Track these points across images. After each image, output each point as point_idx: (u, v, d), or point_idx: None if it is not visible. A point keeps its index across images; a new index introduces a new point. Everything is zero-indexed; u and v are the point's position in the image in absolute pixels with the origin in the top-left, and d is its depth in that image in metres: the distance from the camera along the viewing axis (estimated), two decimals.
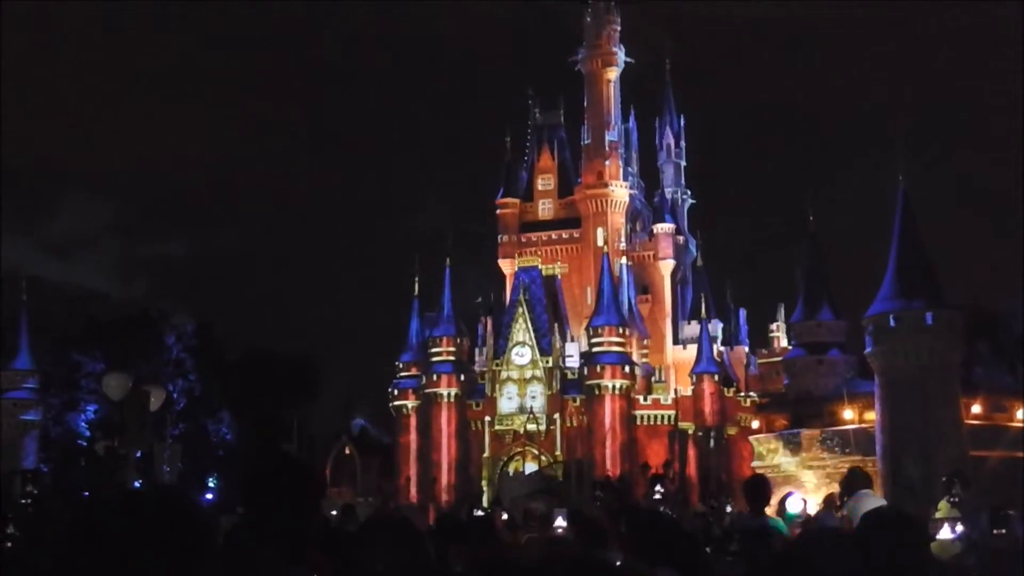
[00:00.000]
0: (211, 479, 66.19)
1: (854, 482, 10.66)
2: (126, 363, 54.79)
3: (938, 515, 14.99)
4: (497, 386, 62.78)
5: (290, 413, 67.33)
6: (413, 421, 65.00)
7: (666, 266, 69.50)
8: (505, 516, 21.05)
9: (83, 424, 58.09)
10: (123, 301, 62.71)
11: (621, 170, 69.81)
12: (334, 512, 30.97)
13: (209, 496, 66.26)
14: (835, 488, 45.19)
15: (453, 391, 63.23)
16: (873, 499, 10.17)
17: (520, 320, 63.23)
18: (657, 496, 23.52)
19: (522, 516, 17.77)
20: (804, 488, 48.96)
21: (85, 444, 54.64)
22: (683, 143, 76.15)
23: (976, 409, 45.95)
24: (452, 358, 63.96)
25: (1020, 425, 46.41)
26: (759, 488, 10.96)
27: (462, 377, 63.67)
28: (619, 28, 72.09)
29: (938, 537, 12.62)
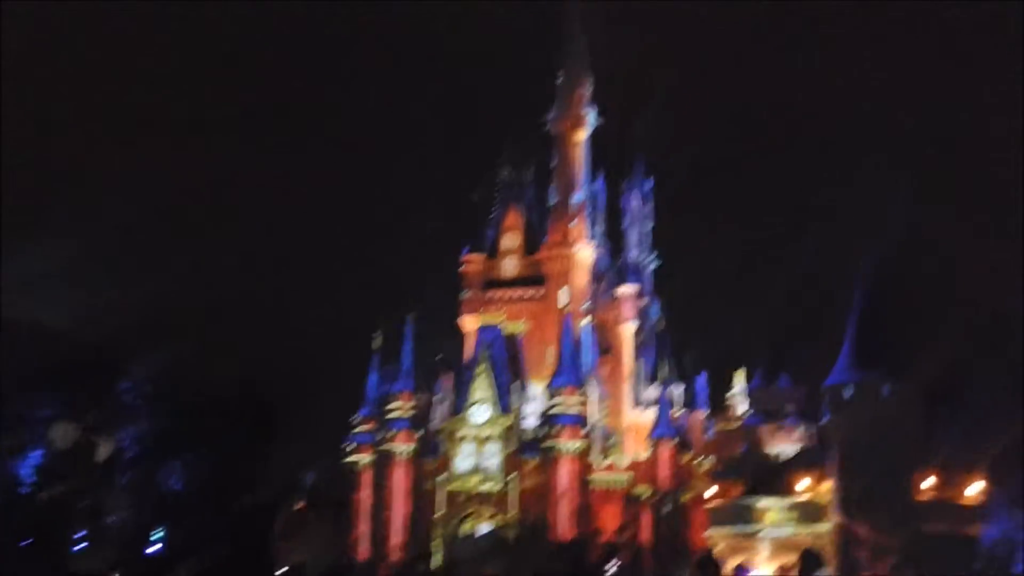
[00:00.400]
0: (158, 530, 64.89)
1: (809, 564, 10.55)
2: (76, 409, 53.83)
3: None
4: (454, 444, 62.22)
5: (244, 465, 66.29)
6: (368, 477, 64.20)
7: (628, 328, 69.53)
8: None
9: (27, 471, 56.81)
10: (75, 342, 61.61)
11: (587, 231, 70.11)
12: (280, 571, 30.35)
13: (156, 547, 64.93)
14: (789, 559, 45.00)
15: (409, 447, 62.60)
16: None
17: (480, 378, 62.89)
18: (612, 570, 23.21)
19: None
20: (758, 557, 48.73)
21: (28, 491, 53.37)
22: (650, 206, 76.65)
23: (930, 482, 45.99)
24: (410, 414, 63.43)
25: (972, 502, 46.45)
26: (707, 568, 10.87)
27: (419, 434, 63.09)
28: (591, 89, 72.83)
29: None
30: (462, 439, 62.12)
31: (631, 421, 67.52)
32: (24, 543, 48.82)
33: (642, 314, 71.49)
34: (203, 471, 66.25)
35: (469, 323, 69.94)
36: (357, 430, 65.69)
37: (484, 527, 60.47)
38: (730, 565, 41.96)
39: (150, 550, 59.78)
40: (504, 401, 62.62)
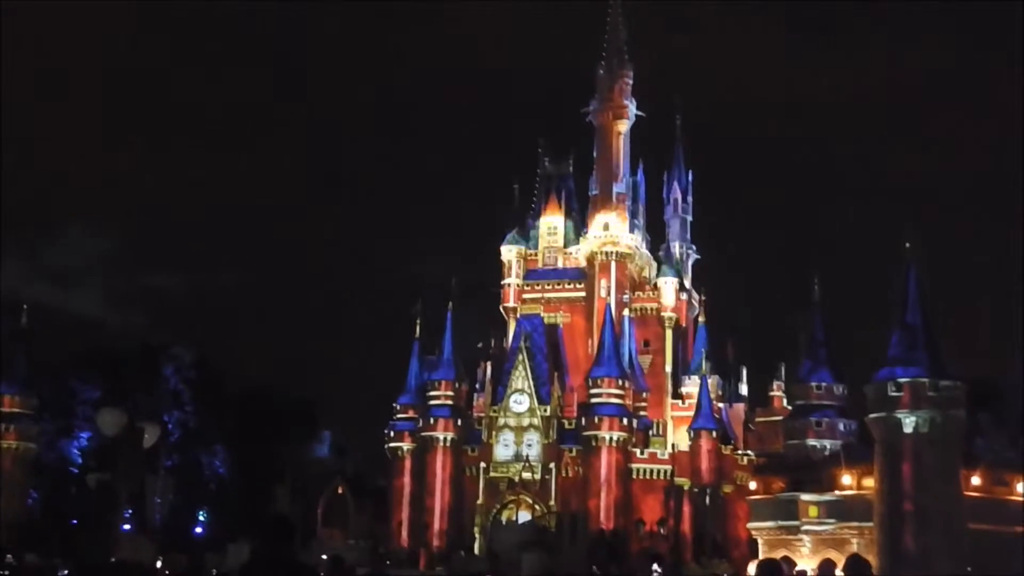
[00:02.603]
0: (201, 513, 65.68)
1: (856, 570, 10.51)
2: (123, 394, 54.54)
3: None
4: (494, 433, 62.41)
5: (285, 451, 66.90)
6: (408, 464, 64.55)
7: (668, 320, 69.31)
8: None
9: (76, 451, 57.75)
10: (120, 331, 62.45)
11: (628, 222, 69.90)
12: (324, 557, 30.66)
13: (199, 530, 65.73)
14: (831, 554, 44.76)
15: (449, 436, 62.89)
16: None
17: (520, 367, 63.01)
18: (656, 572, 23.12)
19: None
20: (799, 553, 48.51)
21: (77, 472, 54.26)
22: (690, 198, 76.24)
23: (976, 481, 45.55)
24: (450, 402, 63.69)
25: (1020, 499, 45.96)
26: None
27: (459, 422, 63.35)
28: (631, 82, 72.53)
29: None
30: (502, 428, 62.29)
31: (671, 413, 67.32)
32: (72, 523, 49.69)
33: (682, 306, 71.19)
34: (244, 457, 67.01)
35: (509, 313, 70.01)
36: (398, 417, 66.05)
37: (524, 516, 60.65)
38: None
39: (195, 531, 60.65)
40: (544, 390, 62.70)
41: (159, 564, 35.74)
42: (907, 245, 46.81)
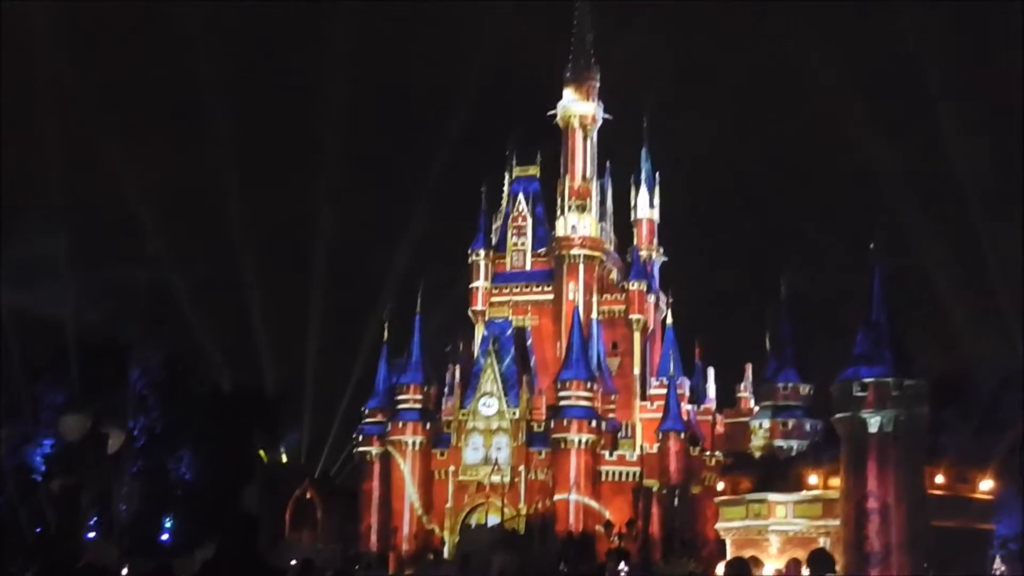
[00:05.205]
0: (168, 519, 65.09)
1: (819, 565, 10.61)
2: (88, 397, 53.89)
3: None
4: (463, 436, 62.40)
5: (253, 454, 66.48)
6: (377, 467, 64.42)
7: (636, 322, 69.55)
8: None
9: (39, 458, 57.07)
10: (83, 329, 61.68)
11: (595, 225, 70.10)
12: (293, 562, 30.48)
13: (165, 536, 65.13)
14: (799, 553, 45.05)
15: (418, 439, 62.84)
16: None
17: (489, 370, 63.07)
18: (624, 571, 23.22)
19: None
20: (767, 553, 48.80)
21: (40, 479, 53.58)
22: (657, 200, 76.55)
23: (940, 479, 46.02)
24: (419, 406, 63.68)
25: (984, 497, 46.49)
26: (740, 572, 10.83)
27: (428, 425, 63.30)
28: (598, 84, 72.79)
29: None
30: (471, 431, 62.30)
31: (640, 415, 67.56)
32: (37, 531, 49.09)
33: (650, 308, 71.46)
34: (211, 460, 66.50)
35: (477, 316, 70.03)
36: (367, 421, 65.90)
37: (493, 518, 60.68)
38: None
39: (162, 537, 60.10)
40: (512, 393, 62.77)
41: (125, 571, 35.37)
42: (872, 246, 47.29)
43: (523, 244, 71.92)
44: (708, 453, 62.94)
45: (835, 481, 47.15)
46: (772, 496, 49.43)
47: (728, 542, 51.32)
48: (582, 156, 71.52)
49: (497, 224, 72.99)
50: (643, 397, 68.08)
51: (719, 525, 52.33)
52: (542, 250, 71.09)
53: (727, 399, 69.61)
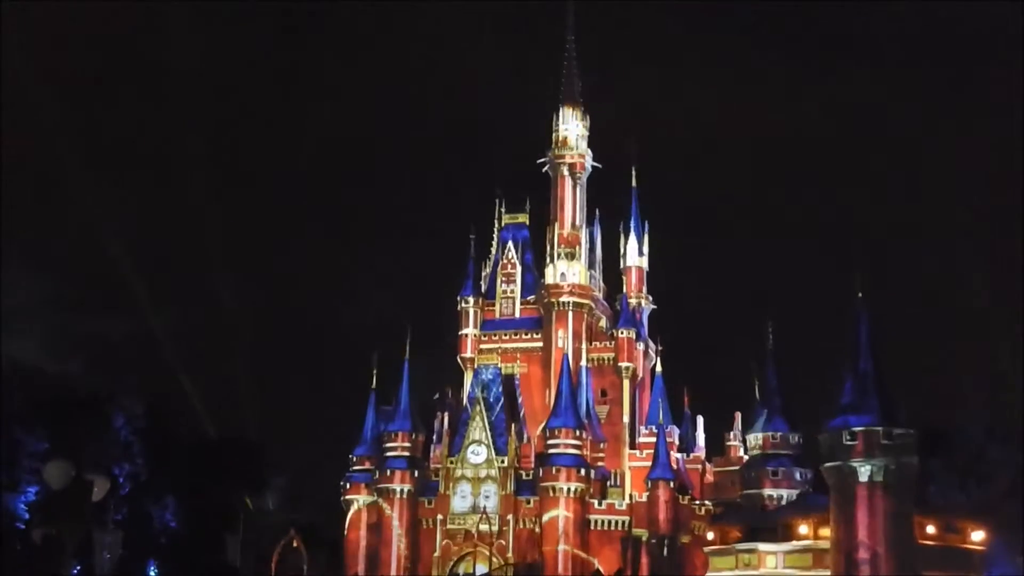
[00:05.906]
0: (152, 567, 64.34)
1: None
2: (72, 445, 53.45)
3: None
4: (451, 484, 61.95)
5: (237, 502, 65.88)
6: (364, 516, 63.84)
7: (625, 370, 69.44)
8: None
9: (22, 507, 56.43)
10: (59, 377, 61.27)
11: (585, 272, 70.23)
12: None
13: None
14: None
15: (406, 487, 62.37)
16: None
17: (477, 418, 62.76)
18: None
19: None
20: None
21: (23, 527, 52.96)
22: (646, 249, 76.82)
23: (930, 529, 45.77)
24: (407, 453, 63.30)
25: (975, 547, 46.24)
26: None
27: (416, 473, 62.85)
28: (588, 133, 73.32)
29: None
30: (459, 479, 61.85)
31: (629, 463, 67.23)
32: None
33: (639, 357, 71.42)
34: (196, 508, 65.85)
35: (466, 364, 69.87)
36: (354, 469, 65.43)
37: (481, 567, 60.09)
38: None
39: None
40: (501, 441, 62.43)
41: None
42: (859, 295, 47.33)
43: (512, 291, 72.00)
44: (697, 502, 62.59)
45: (825, 531, 46.82)
46: (762, 546, 49.06)
47: None
48: (571, 204, 71.83)
49: (486, 271, 73.12)
50: (632, 445, 67.82)
51: (708, 575, 51.89)
52: (531, 297, 71.19)
53: (716, 448, 69.40)
